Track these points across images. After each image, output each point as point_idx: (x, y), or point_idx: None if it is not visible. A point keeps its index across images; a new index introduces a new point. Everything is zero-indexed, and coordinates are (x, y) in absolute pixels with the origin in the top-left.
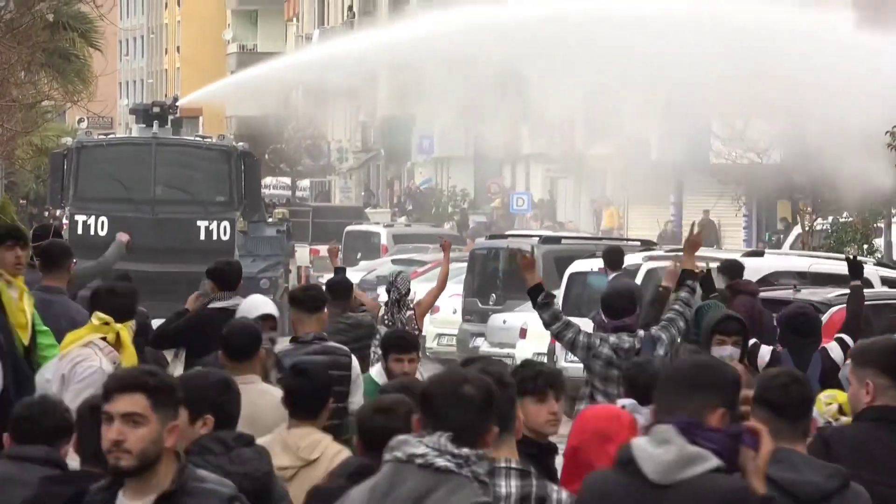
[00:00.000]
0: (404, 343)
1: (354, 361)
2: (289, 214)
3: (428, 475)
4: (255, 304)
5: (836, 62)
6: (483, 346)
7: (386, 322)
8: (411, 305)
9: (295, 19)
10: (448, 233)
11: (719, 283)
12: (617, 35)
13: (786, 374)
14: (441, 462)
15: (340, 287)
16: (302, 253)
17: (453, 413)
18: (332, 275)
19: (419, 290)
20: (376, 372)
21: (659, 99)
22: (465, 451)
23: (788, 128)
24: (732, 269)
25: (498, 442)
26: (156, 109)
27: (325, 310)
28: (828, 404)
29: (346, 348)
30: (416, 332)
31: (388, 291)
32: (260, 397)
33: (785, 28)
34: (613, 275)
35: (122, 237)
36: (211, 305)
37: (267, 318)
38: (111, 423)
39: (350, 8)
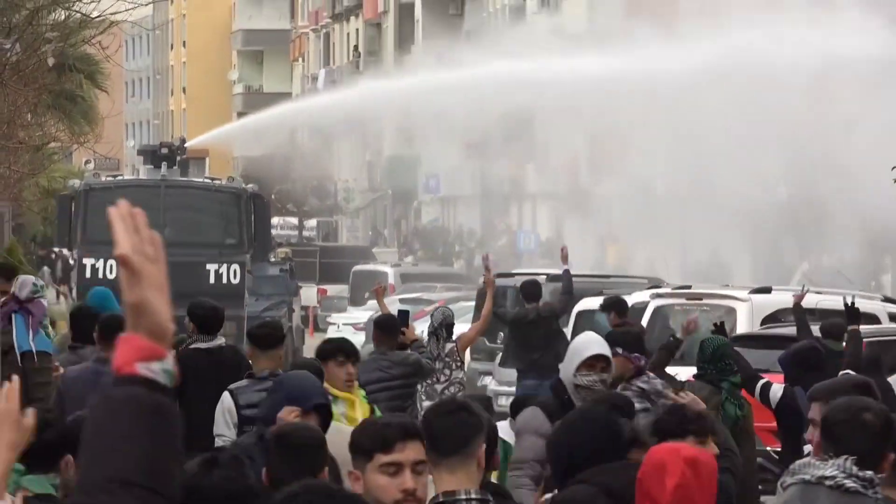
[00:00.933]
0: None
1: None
2: (292, 253)
3: (838, 496)
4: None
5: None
6: (491, 384)
7: (429, 356)
8: (453, 339)
9: (301, 59)
10: (457, 272)
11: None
12: (624, 87)
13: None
14: (850, 484)
15: (388, 324)
16: (310, 293)
17: (856, 439)
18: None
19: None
20: (505, 430)
21: (664, 136)
22: (869, 474)
23: (794, 164)
24: (616, 305)
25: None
26: (164, 150)
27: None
28: None
29: None
30: (459, 365)
31: (436, 326)
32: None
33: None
34: (530, 306)
35: None
36: (193, 346)
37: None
38: (400, 473)
39: (356, 48)
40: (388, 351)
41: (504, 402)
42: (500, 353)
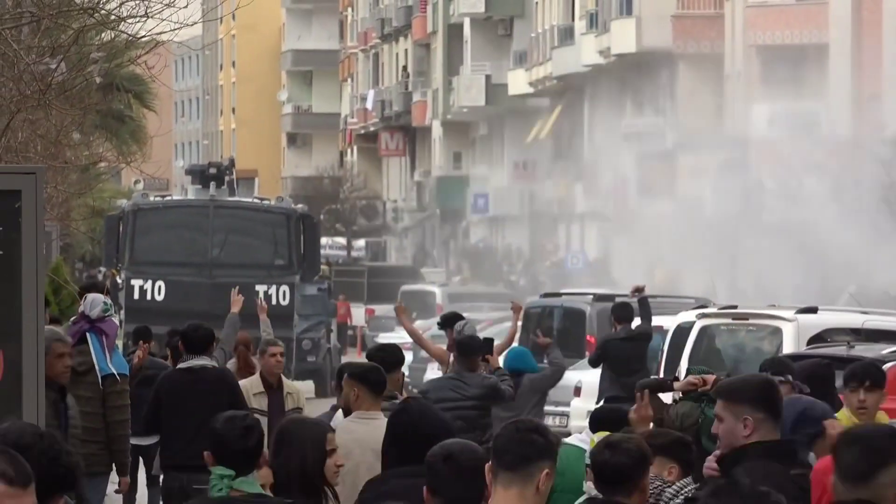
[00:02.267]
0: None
1: None
2: (340, 273)
3: None
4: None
5: None
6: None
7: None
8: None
9: (350, 79)
10: (504, 292)
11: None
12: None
13: None
14: None
15: (468, 346)
16: (358, 312)
17: None
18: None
19: None
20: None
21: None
22: None
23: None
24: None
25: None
26: (212, 170)
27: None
28: None
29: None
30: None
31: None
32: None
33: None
34: (620, 327)
35: (236, 307)
36: (178, 367)
37: None
38: None
39: (405, 68)
40: (466, 372)
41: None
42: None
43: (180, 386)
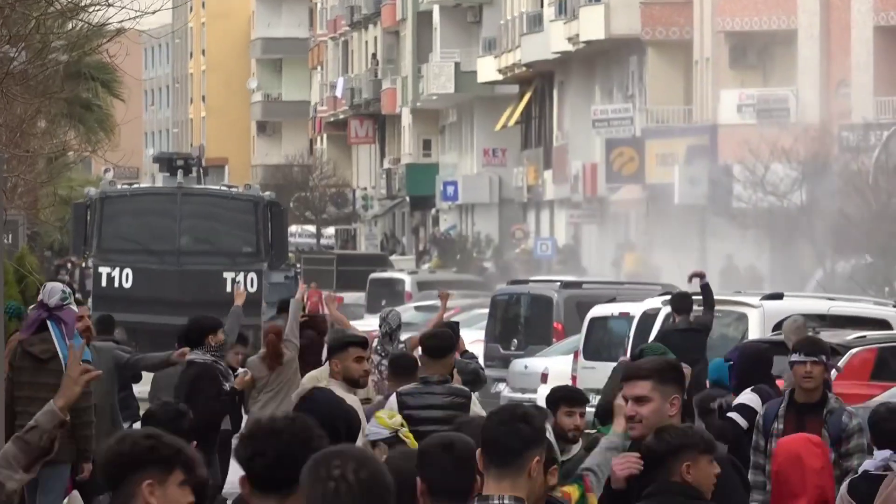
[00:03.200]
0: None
1: (474, 402)
2: (309, 261)
3: None
4: None
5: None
6: (505, 391)
7: (379, 352)
8: (402, 340)
9: (319, 67)
10: (474, 279)
11: None
12: None
13: None
14: None
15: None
16: None
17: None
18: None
19: None
20: None
21: (682, 143)
22: None
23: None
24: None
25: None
26: (179, 162)
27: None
28: None
29: (466, 389)
30: None
31: (380, 325)
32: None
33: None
34: (679, 318)
35: (239, 300)
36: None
37: None
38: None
39: (374, 56)
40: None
41: None
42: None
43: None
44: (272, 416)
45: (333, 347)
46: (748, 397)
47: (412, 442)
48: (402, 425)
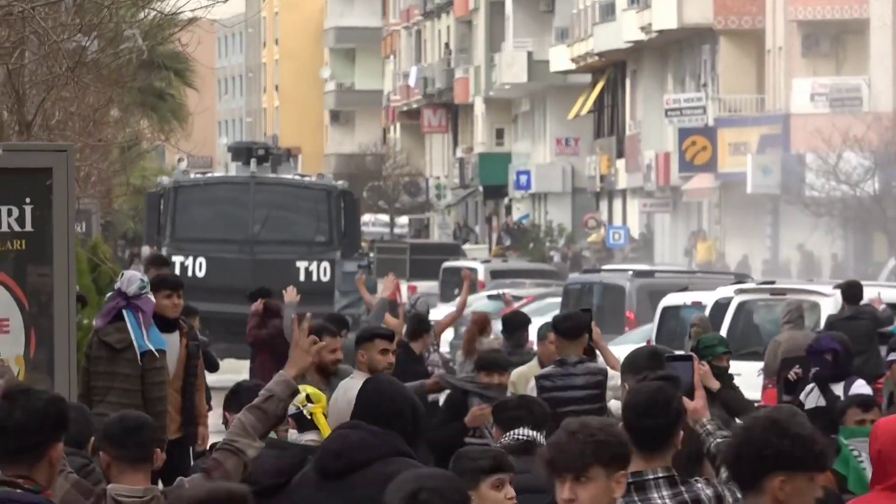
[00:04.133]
0: (496, 362)
1: (612, 379)
2: (370, 248)
3: None
4: None
5: None
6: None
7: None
8: (431, 324)
9: (392, 56)
10: (546, 268)
11: None
12: None
13: None
14: None
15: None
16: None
17: None
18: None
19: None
20: None
21: (755, 132)
22: None
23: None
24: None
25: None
26: (260, 152)
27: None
28: None
29: (604, 367)
30: (436, 349)
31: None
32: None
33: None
34: (848, 307)
35: (387, 292)
36: None
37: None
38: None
39: (447, 45)
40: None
41: None
42: None
43: None
44: None
45: (361, 338)
46: (864, 388)
47: (321, 421)
48: (304, 403)
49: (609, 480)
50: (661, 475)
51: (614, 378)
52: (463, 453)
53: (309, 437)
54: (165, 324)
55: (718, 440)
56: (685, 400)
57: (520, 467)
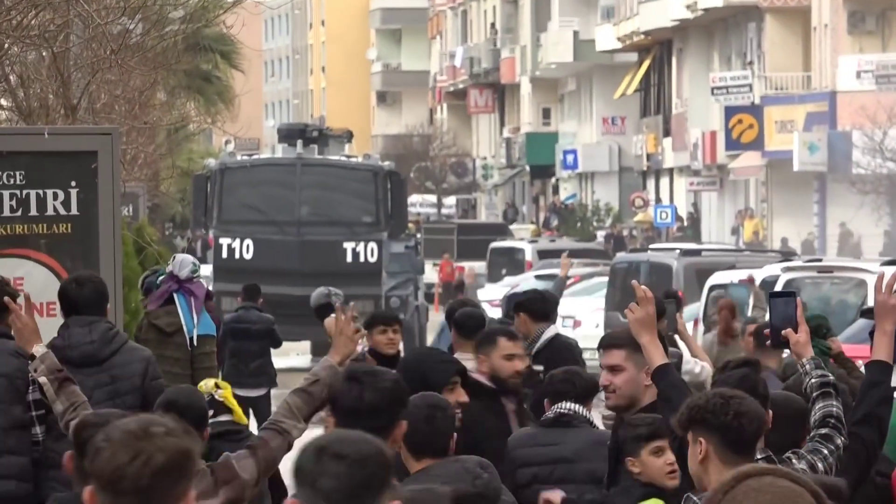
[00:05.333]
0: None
1: (686, 360)
2: (430, 230)
3: None
4: None
5: None
6: None
7: None
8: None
9: (438, 37)
10: (594, 248)
11: None
12: None
13: None
14: None
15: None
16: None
17: None
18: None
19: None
20: None
21: (801, 109)
22: None
23: None
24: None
25: None
26: (314, 134)
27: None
28: None
29: (679, 352)
30: None
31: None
32: None
33: None
34: None
35: (564, 271)
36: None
37: None
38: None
39: (493, 25)
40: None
41: None
42: None
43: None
44: None
45: (366, 325)
46: None
47: (232, 403)
48: (214, 389)
49: None
50: (758, 456)
51: (689, 363)
52: (626, 421)
53: (224, 418)
54: None
55: (814, 380)
56: (789, 332)
57: (555, 439)
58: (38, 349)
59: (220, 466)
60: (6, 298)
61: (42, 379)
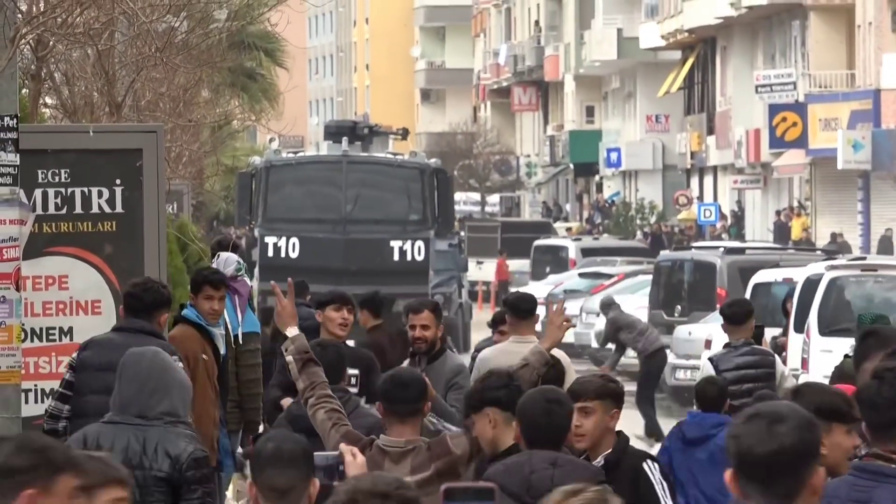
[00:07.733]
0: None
1: (778, 361)
2: (474, 228)
3: None
4: None
5: None
6: (669, 357)
7: None
8: None
9: (482, 34)
10: (638, 245)
11: None
12: None
13: None
14: None
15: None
16: (490, 268)
17: None
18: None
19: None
20: None
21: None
22: None
23: None
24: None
25: None
26: (364, 130)
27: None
28: None
29: (769, 352)
30: None
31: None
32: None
33: None
34: None
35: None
36: None
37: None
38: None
39: (536, 23)
40: None
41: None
42: None
43: None
44: None
45: (320, 304)
46: None
47: None
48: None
49: None
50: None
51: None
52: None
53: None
54: None
55: None
56: None
57: None
58: (291, 331)
59: (435, 443)
60: (272, 283)
61: (289, 358)
